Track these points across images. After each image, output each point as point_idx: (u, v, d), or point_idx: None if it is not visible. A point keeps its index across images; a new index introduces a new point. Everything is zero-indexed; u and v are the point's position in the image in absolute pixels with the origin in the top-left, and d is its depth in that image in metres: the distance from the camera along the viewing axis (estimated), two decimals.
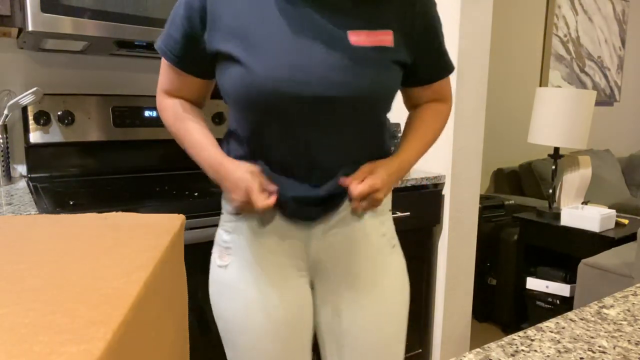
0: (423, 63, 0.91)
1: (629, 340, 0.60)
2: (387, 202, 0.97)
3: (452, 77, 1.81)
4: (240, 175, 0.81)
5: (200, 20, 0.83)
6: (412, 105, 1.01)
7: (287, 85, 0.77)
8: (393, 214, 1.70)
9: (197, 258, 1.12)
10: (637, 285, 0.79)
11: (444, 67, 0.95)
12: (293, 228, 0.88)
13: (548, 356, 0.56)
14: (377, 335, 0.92)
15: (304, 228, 0.89)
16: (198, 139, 0.88)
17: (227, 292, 0.90)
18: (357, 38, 0.80)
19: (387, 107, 0.89)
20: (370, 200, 0.83)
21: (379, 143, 0.92)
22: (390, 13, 0.84)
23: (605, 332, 0.62)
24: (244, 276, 0.89)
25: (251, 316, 0.88)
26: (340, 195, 0.87)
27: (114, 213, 0.39)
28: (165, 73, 0.93)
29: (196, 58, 0.87)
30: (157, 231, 0.36)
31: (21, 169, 1.62)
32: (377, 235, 0.93)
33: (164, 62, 0.92)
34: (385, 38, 0.83)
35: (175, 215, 0.40)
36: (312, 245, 0.90)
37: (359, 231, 0.91)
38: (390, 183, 0.87)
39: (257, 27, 0.80)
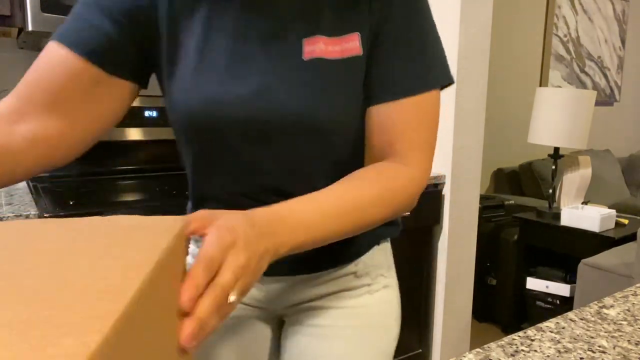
0: (379, 71, 0.62)
1: (628, 340, 0.60)
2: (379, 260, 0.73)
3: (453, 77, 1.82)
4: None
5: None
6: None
7: (221, 119, 0.60)
8: None
9: None
10: (637, 285, 0.79)
11: (419, 77, 0.62)
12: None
13: (548, 356, 0.56)
14: None
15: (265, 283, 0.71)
16: None
17: None
18: (313, 48, 0.60)
19: (355, 134, 0.64)
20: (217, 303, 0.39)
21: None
22: (353, 5, 0.61)
23: (605, 332, 0.62)
24: None
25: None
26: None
27: (115, 216, 0.39)
28: (29, 72, 0.62)
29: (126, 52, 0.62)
30: (157, 232, 0.36)
31: None
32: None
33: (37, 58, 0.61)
34: (349, 46, 0.61)
35: (178, 217, 0.40)
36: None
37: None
38: (256, 253, 0.43)
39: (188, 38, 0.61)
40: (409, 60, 0.62)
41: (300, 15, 0.61)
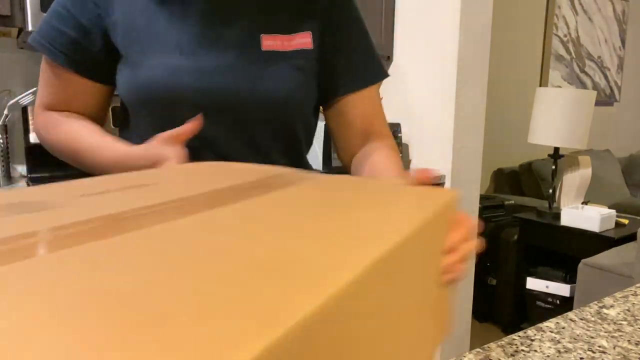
0: (347, 63, 0.76)
1: (629, 340, 0.60)
2: None
3: (453, 77, 1.82)
4: (155, 152, 0.62)
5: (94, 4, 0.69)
6: (343, 147, 0.80)
7: (181, 90, 0.67)
8: None
9: None
10: (637, 285, 0.79)
11: (372, 70, 0.78)
12: None
13: (548, 356, 0.56)
14: None
15: None
16: (94, 140, 0.70)
17: None
18: (272, 42, 0.70)
19: (303, 118, 0.76)
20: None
21: (298, 156, 0.78)
22: (308, 10, 0.74)
23: (605, 332, 0.62)
24: None
25: None
26: None
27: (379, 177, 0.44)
28: (42, 83, 0.73)
29: (91, 54, 0.70)
30: (428, 197, 0.38)
31: (21, 169, 1.62)
32: None
33: (44, 65, 0.72)
34: (302, 41, 0.72)
35: (447, 189, 0.43)
36: None
37: None
38: None
39: (149, 28, 0.68)
40: (367, 57, 0.78)
41: (260, 13, 0.71)
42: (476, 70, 1.85)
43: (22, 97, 1.47)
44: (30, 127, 1.55)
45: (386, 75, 0.80)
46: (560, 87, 3.47)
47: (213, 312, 0.18)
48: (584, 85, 3.67)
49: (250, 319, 0.17)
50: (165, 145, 0.62)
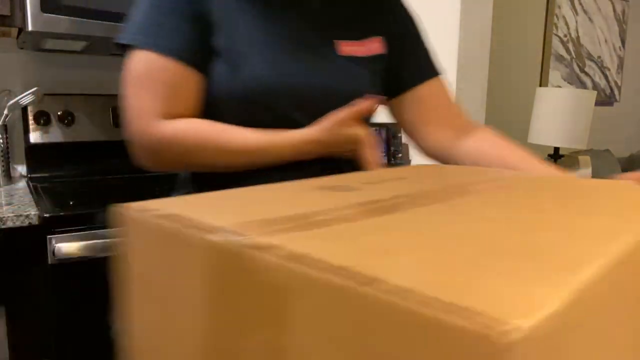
0: (416, 59, 0.84)
1: None
2: None
3: (453, 77, 1.82)
4: (351, 133, 0.65)
5: None
6: (425, 136, 0.82)
7: (285, 86, 0.70)
8: None
9: None
10: None
11: (427, 68, 0.85)
12: None
13: None
14: None
15: None
16: (255, 137, 0.66)
17: None
18: (344, 48, 0.75)
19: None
20: None
21: None
22: (376, 15, 0.81)
23: None
24: None
25: None
26: None
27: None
28: (155, 87, 0.64)
29: (203, 47, 0.67)
30: None
31: (21, 169, 1.62)
32: None
33: (155, 68, 0.64)
34: (373, 47, 0.78)
35: None
36: None
37: None
38: None
39: (243, 32, 0.70)
40: (428, 54, 0.85)
41: (333, 21, 0.76)
42: (476, 70, 1.85)
43: (22, 97, 1.47)
44: (30, 127, 1.55)
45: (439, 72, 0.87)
46: (560, 87, 3.47)
47: (540, 251, 0.25)
48: (584, 85, 3.67)
49: (569, 258, 0.24)
50: (354, 126, 0.65)
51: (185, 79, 0.65)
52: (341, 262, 0.23)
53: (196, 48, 0.66)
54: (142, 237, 0.34)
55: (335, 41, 0.74)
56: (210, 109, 0.70)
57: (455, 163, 0.79)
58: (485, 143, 0.77)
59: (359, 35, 0.77)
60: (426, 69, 0.84)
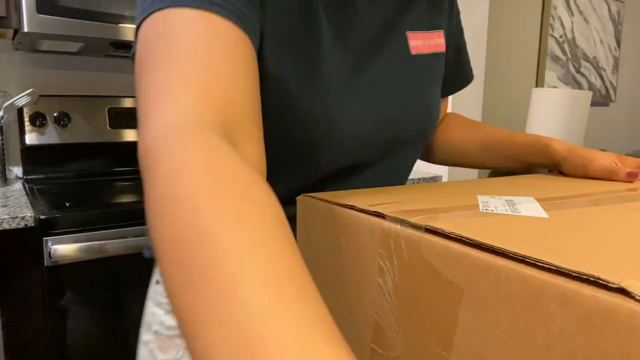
0: (456, 66, 0.73)
1: None
2: None
3: None
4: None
5: None
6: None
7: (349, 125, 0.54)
8: None
9: None
10: None
11: (470, 72, 0.77)
12: None
13: None
14: None
15: None
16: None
17: None
18: (415, 43, 0.60)
19: None
20: None
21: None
22: (437, 4, 0.65)
23: None
24: None
25: None
26: None
27: None
28: (203, 56, 0.37)
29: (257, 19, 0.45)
30: None
31: (17, 170, 1.61)
32: None
33: (208, 38, 0.38)
34: (439, 42, 0.64)
35: None
36: None
37: None
38: None
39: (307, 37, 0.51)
40: (468, 57, 0.76)
41: (401, 7, 0.59)
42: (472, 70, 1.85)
43: (18, 99, 1.47)
44: (26, 128, 1.55)
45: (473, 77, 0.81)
46: (556, 87, 3.48)
47: None
48: (579, 86, 3.68)
49: None
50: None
51: (252, 57, 0.42)
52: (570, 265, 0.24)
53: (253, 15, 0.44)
54: (323, 222, 0.40)
55: (407, 33, 0.59)
56: None
57: (433, 155, 0.78)
58: (453, 130, 0.77)
59: (426, 25, 0.62)
60: (469, 76, 0.76)
